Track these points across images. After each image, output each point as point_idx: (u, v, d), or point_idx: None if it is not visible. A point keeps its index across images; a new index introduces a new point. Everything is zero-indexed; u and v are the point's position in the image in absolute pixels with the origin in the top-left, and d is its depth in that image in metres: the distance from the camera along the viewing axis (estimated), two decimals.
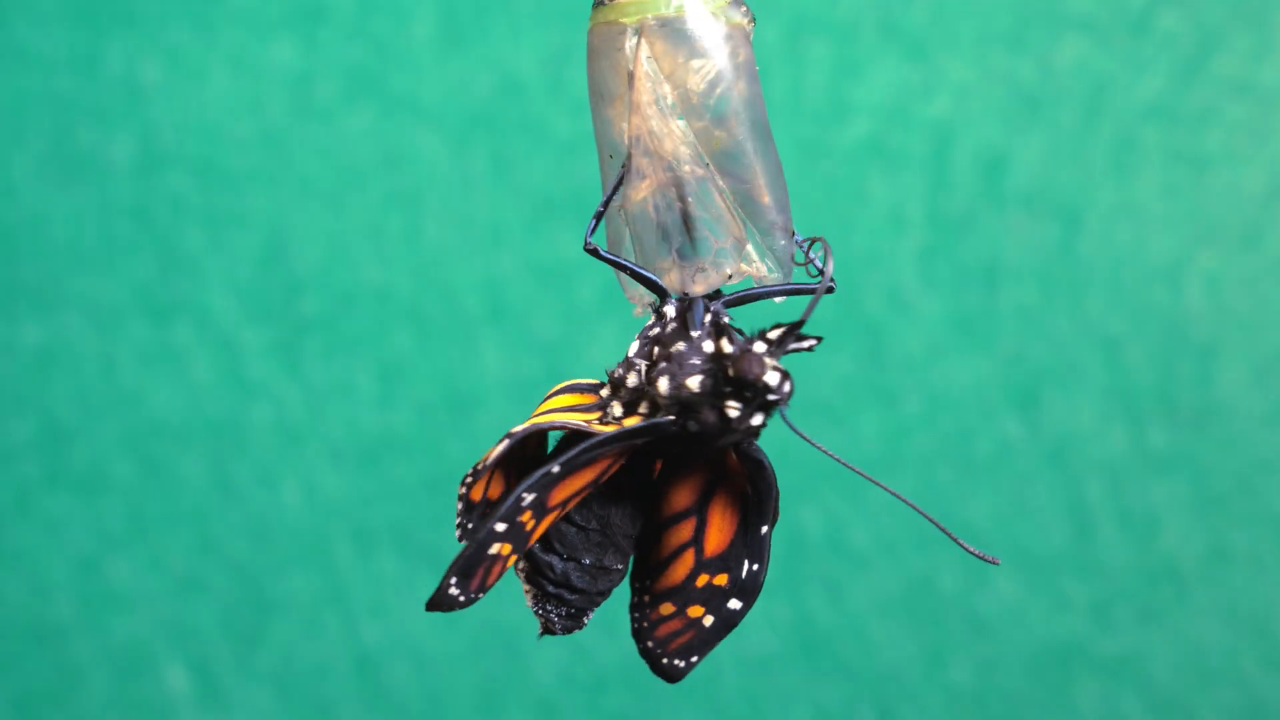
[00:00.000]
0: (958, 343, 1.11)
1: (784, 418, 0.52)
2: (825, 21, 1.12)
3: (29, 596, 1.15)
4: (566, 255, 1.13)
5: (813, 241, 0.55)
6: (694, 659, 0.56)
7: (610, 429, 0.53)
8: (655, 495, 0.56)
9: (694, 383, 0.52)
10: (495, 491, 0.54)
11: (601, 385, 0.55)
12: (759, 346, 0.52)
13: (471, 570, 0.53)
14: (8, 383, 1.15)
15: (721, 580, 0.55)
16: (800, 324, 0.51)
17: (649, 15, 0.53)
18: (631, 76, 0.53)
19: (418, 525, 1.14)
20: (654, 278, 0.54)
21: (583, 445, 0.52)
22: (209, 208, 1.14)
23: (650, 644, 0.56)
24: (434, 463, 1.14)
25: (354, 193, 1.14)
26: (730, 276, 0.55)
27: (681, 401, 0.52)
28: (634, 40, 0.53)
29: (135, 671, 1.15)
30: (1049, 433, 1.11)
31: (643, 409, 0.53)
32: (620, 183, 0.54)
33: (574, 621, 0.57)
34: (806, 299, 0.54)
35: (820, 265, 0.54)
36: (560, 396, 0.55)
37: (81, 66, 1.14)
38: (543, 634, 0.57)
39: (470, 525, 0.55)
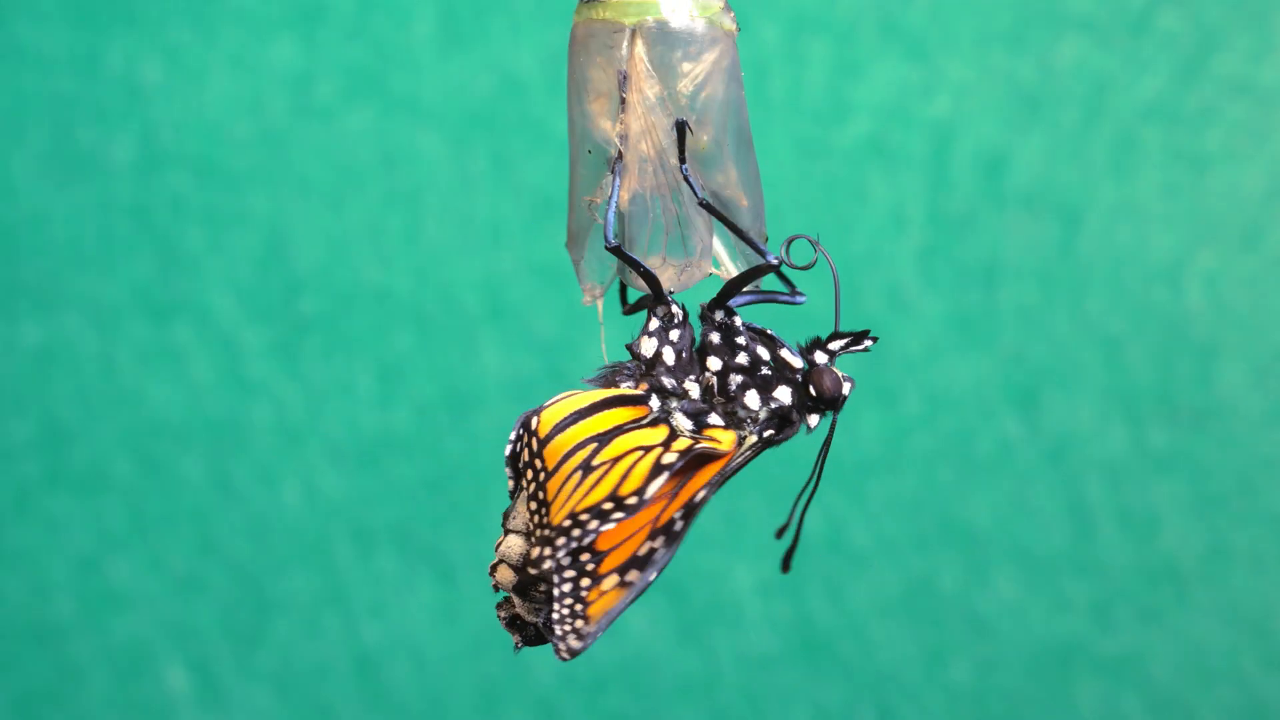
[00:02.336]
0: (958, 342, 1.12)
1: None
2: (825, 21, 1.12)
3: (29, 596, 1.16)
4: (566, 254, 1.13)
5: (793, 240, 0.56)
6: (605, 620, 0.55)
7: (720, 437, 0.54)
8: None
9: (784, 395, 0.55)
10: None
11: (641, 396, 0.55)
12: (821, 358, 0.55)
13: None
14: (8, 383, 1.15)
15: (659, 542, 0.55)
16: (861, 333, 0.55)
17: (649, 18, 0.53)
18: (625, 76, 0.53)
19: (418, 525, 1.14)
20: (656, 280, 0.55)
21: (721, 471, 0.54)
22: (209, 208, 1.15)
23: (580, 623, 0.55)
24: (434, 462, 1.15)
25: (354, 192, 1.14)
26: (705, 274, 0.56)
27: (775, 414, 0.55)
28: (629, 41, 0.53)
29: (135, 671, 1.15)
30: (1049, 433, 1.11)
31: (714, 419, 0.54)
32: (616, 178, 0.54)
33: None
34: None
35: (804, 264, 0.55)
36: (612, 413, 0.55)
37: (81, 66, 1.14)
38: (527, 646, 0.57)
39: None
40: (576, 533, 0.53)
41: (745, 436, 0.55)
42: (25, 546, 1.15)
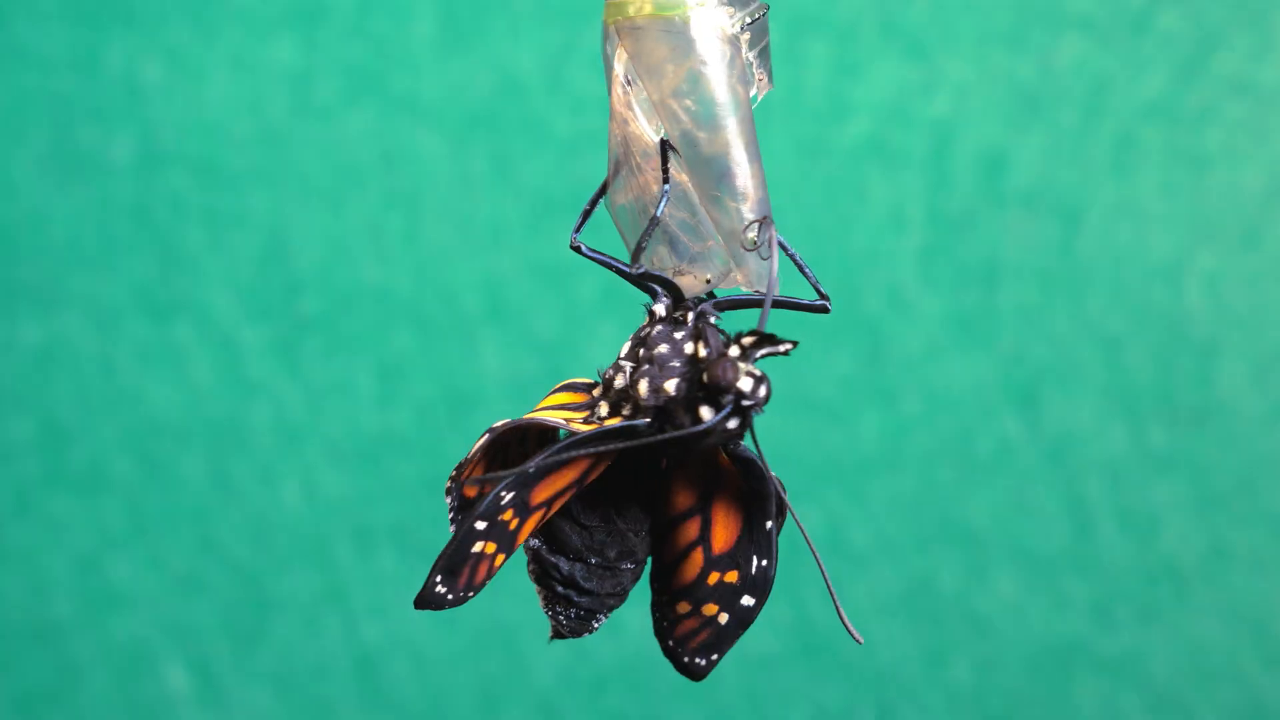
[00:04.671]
0: (958, 342, 1.12)
1: (751, 433, 0.52)
2: (825, 21, 1.12)
3: (29, 596, 1.16)
4: (566, 254, 1.13)
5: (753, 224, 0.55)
6: (714, 657, 0.56)
7: (587, 429, 0.53)
8: (661, 494, 0.56)
9: (670, 386, 0.53)
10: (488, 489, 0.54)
11: (595, 385, 0.55)
12: (734, 351, 0.52)
13: (456, 568, 0.53)
14: (8, 383, 1.15)
15: (732, 578, 0.55)
16: (763, 331, 0.52)
17: (625, 16, 0.52)
18: (612, 78, 0.53)
19: (418, 524, 1.15)
20: (637, 275, 0.55)
21: (555, 446, 0.52)
22: (209, 207, 1.15)
23: (671, 643, 0.57)
24: (434, 462, 1.15)
25: (354, 192, 1.15)
26: (709, 281, 0.55)
27: (660, 405, 0.53)
28: (613, 41, 0.52)
29: (135, 671, 1.15)
30: (1049, 432, 1.11)
31: (625, 410, 0.54)
32: (605, 184, 0.54)
33: (582, 624, 0.57)
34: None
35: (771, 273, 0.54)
36: (557, 395, 0.55)
37: (81, 66, 1.14)
38: (553, 637, 0.57)
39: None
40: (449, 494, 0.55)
41: (610, 419, 0.54)
42: (25, 546, 1.15)
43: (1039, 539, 1.11)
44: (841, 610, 0.54)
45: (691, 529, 0.56)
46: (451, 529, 0.55)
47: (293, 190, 1.15)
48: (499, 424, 0.54)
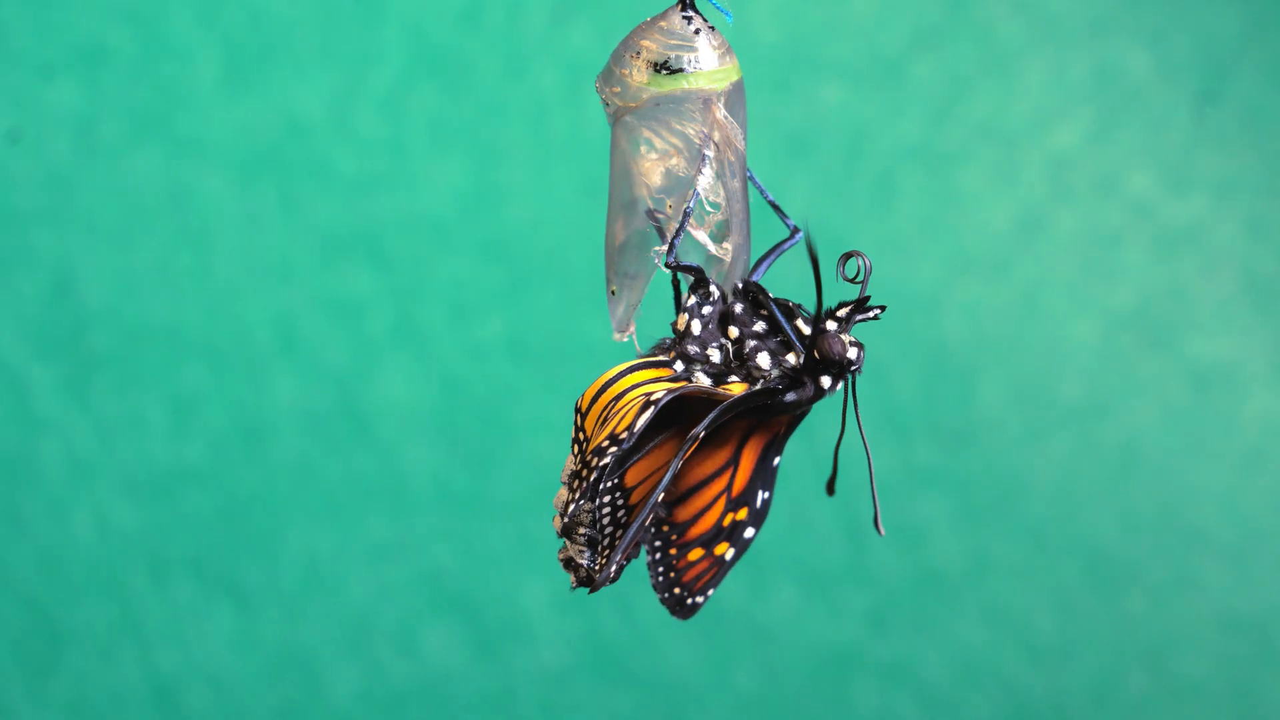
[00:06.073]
0: None
1: (851, 387, 0.60)
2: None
3: None
4: (356, 289, 1.14)
5: (848, 257, 0.61)
6: (710, 591, 0.62)
7: (738, 390, 0.59)
8: (694, 457, 0.61)
9: (793, 358, 0.59)
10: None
11: (668, 362, 0.60)
12: (832, 325, 0.59)
13: (627, 545, 0.58)
14: None
15: (742, 515, 0.62)
16: (864, 300, 0.59)
17: (729, 82, 0.59)
18: (712, 136, 0.59)
19: (214, 554, 1.14)
20: (702, 271, 0.60)
21: (717, 410, 0.58)
22: None
23: (679, 590, 0.62)
24: (227, 493, 1.14)
25: (141, 231, 1.14)
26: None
27: (786, 375, 0.59)
28: (718, 103, 0.58)
29: None
30: (822, 454, 1.13)
31: (733, 380, 0.59)
32: (687, 215, 0.59)
33: (616, 575, 0.61)
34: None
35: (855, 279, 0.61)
36: (642, 372, 0.60)
37: None
38: (581, 586, 0.62)
39: (589, 501, 0.59)
40: (584, 472, 0.58)
41: (756, 388, 0.59)
42: None
43: (816, 553, 1.14)
44: (877, 502, 0.61)
45: (722, 482, 0.61)
46: (561, 521, 0.59)
47: (79, 230, 1.14)
48: (658, 395, 0.58)
